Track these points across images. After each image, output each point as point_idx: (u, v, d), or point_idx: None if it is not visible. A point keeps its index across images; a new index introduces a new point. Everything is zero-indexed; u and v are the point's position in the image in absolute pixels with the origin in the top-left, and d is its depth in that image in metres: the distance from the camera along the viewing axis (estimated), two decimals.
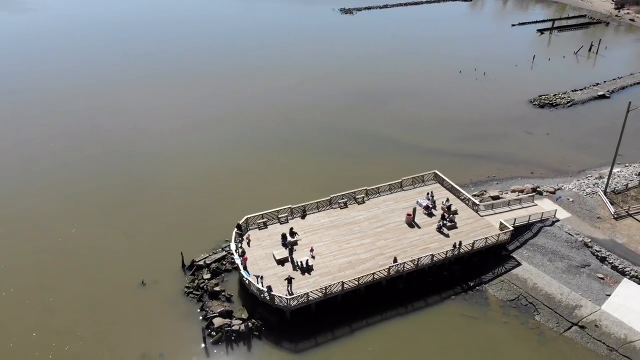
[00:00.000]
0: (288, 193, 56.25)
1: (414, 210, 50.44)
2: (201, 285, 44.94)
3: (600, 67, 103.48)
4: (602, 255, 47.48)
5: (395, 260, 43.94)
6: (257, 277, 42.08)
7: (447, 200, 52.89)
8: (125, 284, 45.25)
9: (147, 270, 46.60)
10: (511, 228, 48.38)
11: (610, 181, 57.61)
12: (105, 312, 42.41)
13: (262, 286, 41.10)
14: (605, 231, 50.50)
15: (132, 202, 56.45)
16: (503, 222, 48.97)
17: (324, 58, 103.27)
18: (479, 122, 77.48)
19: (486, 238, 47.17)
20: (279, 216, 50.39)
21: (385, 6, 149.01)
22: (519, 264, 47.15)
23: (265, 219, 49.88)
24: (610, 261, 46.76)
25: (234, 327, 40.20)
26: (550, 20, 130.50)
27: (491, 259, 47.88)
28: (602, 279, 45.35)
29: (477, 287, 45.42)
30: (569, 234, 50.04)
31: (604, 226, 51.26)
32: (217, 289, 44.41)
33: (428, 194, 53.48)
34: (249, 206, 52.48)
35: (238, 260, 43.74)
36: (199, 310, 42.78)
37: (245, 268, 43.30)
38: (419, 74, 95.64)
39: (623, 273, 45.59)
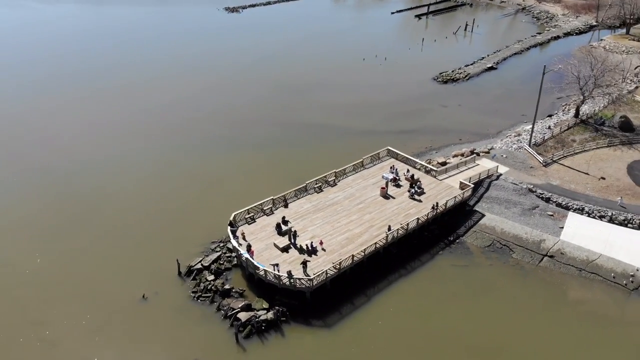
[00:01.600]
0: (255, 189, 56.72)
1: (387, 183, 54.63)
2: (208, 287, 44.61)
3: (478, 43, 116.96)
4: (546, 196, 55.85)
5: (389, 229, 47.68)
6: (273, 265, 43.13)
7: (408, 171, 57.90)
8: (126, 303, 43.30)
9: (143, 284, 44.94)
10: (472, 185, 54.77)
11: (528, 135, 67.21)
12: (117, 334, 40.53)
13: (279, 273, 42.38)
14: (540, 177, 59.19)
15: (92, 222, 53.22)
16: (463, 181, 55.23)
17: (231, 58, 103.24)
18: (397, 102, 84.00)
19: (455, 197, 52.97)
20: (264, 208, 51.42)
21: (269, 3, 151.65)
22: (483, 215, 53.63)
23: (251, 214, 50.59)
24: (554, 200, 55.24)
25: (261, 318, 41.00)
26: (425, 5, 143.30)
27: (459, 215, 53.75)
28: (552, 215, 53.49)
29: (457, 241, 50.96)
30: (514, 183, 57.92)
31: (537, 173, 59.99)
32: (226, 287, 44.55)
33: (391, 167, 58.04)
34: (220, 207, 53.18)
35: (246, 255, 44.16)
36: (215, 311, 42.59)
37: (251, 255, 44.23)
38: (327, 65, 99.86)
39: (567, 208, 54.21)
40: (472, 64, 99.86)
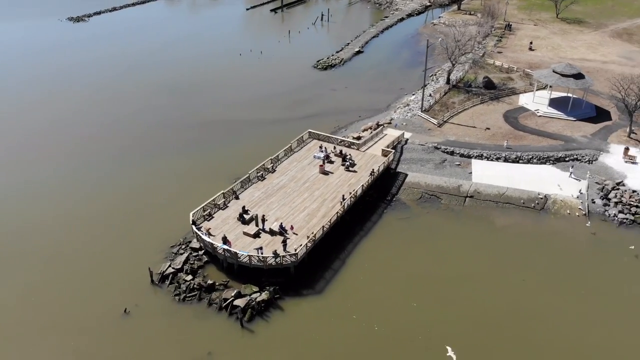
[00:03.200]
0: (194, 191, 57.07)
1: (324, 161, 59.19)
2: (191, 287, 45.02)
3: (337, 31, 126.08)
4: (449, 150, 65.25)
5: (343, 198, 52.45)
6: (257, 249, 45.17)
7: (335, 147, 63.14)
8: (109, 322, 42.05)
9: (118, 301, 43.77)
10: (393, 150, 61.98)
11: (418, 104, 76.82)
12: (114, 354, 39.30)
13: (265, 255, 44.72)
14: (439, 136, 68.68)
15: (33, 254, 49.22)
16: (384, 148, 62.16)
17: (101, 68, 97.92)
18: (290, 91, 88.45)
19: (383, 162, 59.59)
20: (217, 203, 52.52)
21: (114, 9, 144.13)
22: (406, 175, 61.10)
23: (207, 210, 51.40)
24: (457, 152, 64.85)
25: (258, 299, 42.96)
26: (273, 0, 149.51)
27: (388, 178, 60.51)
28: (459, 165, 63.00)
29: (394, 199, 57.65)
30: (421, 144, 66.54)
31: (435, 133, 69.47)
32: (209, 281, 45.40)
33: (320, 147, 62.70)
34: (165, 213, 54.08)
35: (225, 247, 45.42)
36: (207, 306, 43.47)
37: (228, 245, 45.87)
38: (208, 65, 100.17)
39: (469, 157, 64.15)
40: (341, 50, 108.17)
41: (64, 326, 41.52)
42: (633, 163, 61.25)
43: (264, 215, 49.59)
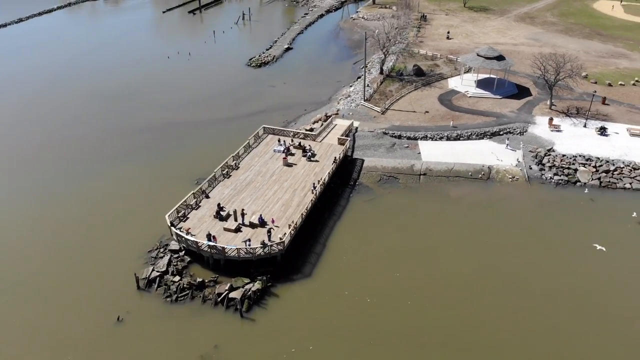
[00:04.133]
0: (158, 196, 56.95)
1: (286, 154, 60.95)
2: (181, 287, 45.23)
3: (262, 29, 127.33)
4: (396, 134, 69.59)
5: (314, 186, 54.72)
6: (245, 241, 46.25)
7: (292, 140, 65.10)
8: (103, 332, 41.45)
9: (107, 310, 43.10)
10: (349, 139, 65.11)
11: (358, 95, 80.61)
12: None
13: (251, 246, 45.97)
14: (384, 122, 72.89)
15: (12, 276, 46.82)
16: (340, 137, 65.14)
17: (24, 80, 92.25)
18: (230, 89, 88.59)
19: (342, 150, 62.55)
20: (189, 204, 52.70)
21: (20, 20, 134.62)
22: (363, 160, 64.56)
23: (181, 212, 51.48)
24: (404, 136, 69.29)
25: (253, 289, 44.17)
26: (194, 0, 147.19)
27: (347, 165, 63.57)
28: (408, 147, 67.49)
29: (356, 184, 60.84)
30: (370, 131, 70.37)
31: (381, 120, 73.64)
32: (199, 279, 45.84)
33: (279, 140, 64.38)
34: (135, 221, 53.58)
35: (212, 243, 46.07)
36: (202, 303, 44.04)
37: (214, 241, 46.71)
38: (137, 69, 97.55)
39: (415, 139, 68.82)
40: (271, 48, 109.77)
41: (56, 343, 40.30)
42: (558, 131, 69.16)
43: (242, 210, 50.65)
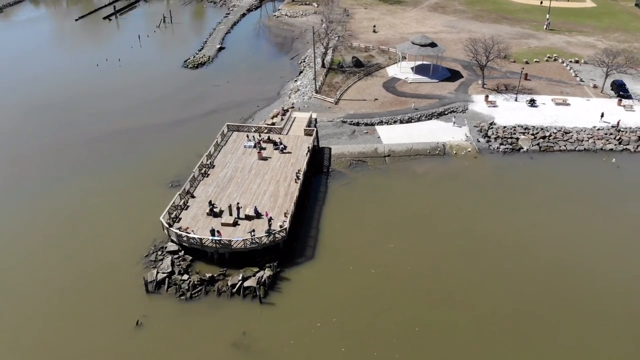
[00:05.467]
0: (137, 203, 56.99)
1: (259, 148, 62.61)
2: (193, 284, 45.87)
3: (187, 31, 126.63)
4: (354, 122, 73.68)
5: (297, 176, 57.17)
6: (250, 232, 47.75)
7: (260, 135, 66.78)
8: (127, 338, 41.41)
9: (123, 317, 42.94)
10: (315, 129, 68.06)
11: (307, 88, 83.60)
12: None
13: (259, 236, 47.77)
14: (340, 112, 76.66)
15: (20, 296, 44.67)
16: (306, 128, 67.90)
17: None
18: (174, 92, 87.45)
19: (311, 141, 65.35)
20: (178, 205, 53.00)
21: None
22: (330, 148, 67.90)
23: (172, 213, 51.71)
24: (361, 122, 73.57)
25: (264, 277, 45.91)
26: (109, 5, 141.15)
27: (316, 154, 66.39)
28: (367, 132, 71.84)
29: (330, 171, 63.99)
30: (329, 121, 73.88)
31: (336, 110, 77.33)
32: (208, 275, 46.71)
33: (247, 136, 65.79)
34: (121, 229, 53.14)
35: (217, 238, 47.12)
36: (217, 296, 45.12)
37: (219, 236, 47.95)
38: (68, 79, 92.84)
39: (372, 124, 73.33)
40: (202, 48, 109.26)
41: (81, 356, 39.58)
42: (494, 106, 77.03)
43: (238, 204, 51.95)
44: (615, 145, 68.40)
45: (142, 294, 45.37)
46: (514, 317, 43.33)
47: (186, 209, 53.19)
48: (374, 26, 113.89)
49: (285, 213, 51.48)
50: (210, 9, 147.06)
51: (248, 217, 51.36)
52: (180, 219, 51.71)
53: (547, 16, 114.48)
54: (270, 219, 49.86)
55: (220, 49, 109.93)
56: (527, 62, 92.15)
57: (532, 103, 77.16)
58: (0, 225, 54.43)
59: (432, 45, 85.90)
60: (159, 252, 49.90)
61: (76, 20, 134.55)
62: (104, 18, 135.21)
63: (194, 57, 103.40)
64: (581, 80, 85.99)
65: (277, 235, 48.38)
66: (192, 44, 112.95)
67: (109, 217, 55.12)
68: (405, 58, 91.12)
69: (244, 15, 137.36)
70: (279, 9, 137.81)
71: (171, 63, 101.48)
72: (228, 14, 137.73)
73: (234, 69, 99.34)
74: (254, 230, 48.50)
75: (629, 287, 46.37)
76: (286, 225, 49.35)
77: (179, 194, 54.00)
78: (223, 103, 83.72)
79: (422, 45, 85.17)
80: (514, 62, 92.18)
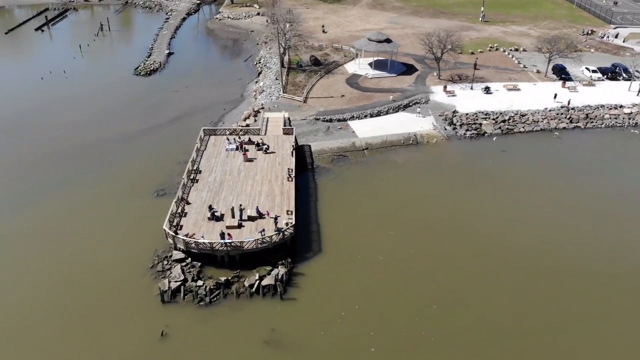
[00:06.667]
0: (129, 214, 55.86)
1: (244, 150, 62.80)
2: (210, 289, 45.68)
3: (127, 37, 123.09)
4: (327, 119, 75.48)
5: (290, 172, 58.19)
6: (260, 232, 48.15)
7: (240, 137, 66.79)
8: (154, 350, 40.84)
9: (145, 330, 42.30)
10: (293, 127, 69.03)
11: (272, 88, 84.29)
12: None
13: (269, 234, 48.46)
14: (310, 110, 78.11)
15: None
16: (284, 127, 68.77)
17: None
18: (131, 101, 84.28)
19: (293, 140, 66.28)
20: (177, 212, 52.34)
21: None
22: (309, 145, 69.26)
23: (172, 220, 51.03)
24: (334, 119, 75.49)
25: (281, 273, 46.62)
26: (37, 15, 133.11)
27: (298, 152, 67.29)
28: (342, 128, 73.84)
29: (314, 167, 65.33)
30: (302, 119, 75.17)
31: (306, 108, 78.71)
32: (222, 279, 46.67)
33: (227, 139, 65.63)
34: (116, 243, 51.87)
35: (228, 241, 47.17)
36: (236, 298, 45.32)
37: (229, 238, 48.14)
38: (11, 96, 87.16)
39: (345, 120, 75.44)
40: (151, 55, 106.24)
41: None
42: (453, 96, 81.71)
43: (240, 205, 52.07)
44: (567, 124, 75.09)
45: (158, 305, 44.63)
46: (517, 279, 47.29)
47: (184, 216, 52.62)
48: (323, 26, 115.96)
49: (288, 211, 52.39)
50: (146, 15, 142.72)
51: (251, 218, 51.74)
52: (181, 226, 51.13)
53: (482, 9, 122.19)
54: (276, 218, 50.55)
55: (170, 54, 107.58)
56: (472, 53, 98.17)
57: (487, 90, 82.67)
58: None
59: (388, 41, 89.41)
60: (165, 262, 49.17)
61: (6, 33, 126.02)
62: (36, 29, 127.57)
63: (144, 64, 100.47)
64: (524, 66, 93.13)
65: (285, 233, 49.22)
66: (137, 50, 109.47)
67: (102, 233, 53.25)
68: (359, 55, 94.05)
69: (184, 19, 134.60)
70: (220, 12, 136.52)
71: (121, 71, 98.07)
72: (167, 18, 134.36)
73: (188, 74, 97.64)
74: (264, 230, 49.03)
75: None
76: (292, 222, 50.30)
77: (175, 201, 53.29)
78: (187, 108, 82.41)
79: (378, 42, 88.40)
80: (461, 53, 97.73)
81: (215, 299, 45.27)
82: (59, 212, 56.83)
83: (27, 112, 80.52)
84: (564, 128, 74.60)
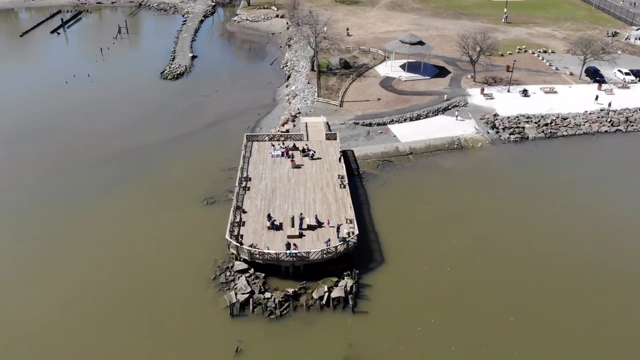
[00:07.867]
0: (178, 224, 54.63)
1: (291, 156, 61.58)
2: (279, 302, 44.45)
3: (145, 40, 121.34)
4: (366, 123, 74.27)
5: (342, 179, 57.19)
6: (326, 242, 47.02)
7: (283, 143, 65.55)
8: None
9: (219, 346, 41.03)
10: (335, 132, 67.87)
11: (305, 92, 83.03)
12: None
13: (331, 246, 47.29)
14: (348, 114, 76.88)
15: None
16: (327, 133, 67.68)
17: None
18: (162, 106, 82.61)
19: (338, 145, 65.16)
20: (234, 222, 51.11)
21: None
22: (353, 151, 68.05)
23: (233, 230, 49.77)
24: (374, 123, 74.31)
25: (349, 284, 45.45)
26: (51, 17, 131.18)
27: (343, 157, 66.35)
28: (382, 132, 72.71)
29: (361, 173, 64.11)
30: (342, 123, 73.95)
31: (343, 112, 77.46)
32: (289, 290, 45.44)
33: (272, 145, 64.43)
34: (170, 255, 50.51)
35: (294, 251, 46.00)
36: (307, 311, 44.15)
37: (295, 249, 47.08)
38: (39, 100, 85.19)
39: (384, 124, 74.30)
40: (175, 58, 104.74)
41: None
42: (491, 99, 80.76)
43: (301, 214, 50.86)
44: (608, 127, 74.36)
45: (227, 319, 43.41)
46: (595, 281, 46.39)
47: (243, 225, 51.35)
48: (347, 28, 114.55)
49: (347, 219, 51.25)
50: (161, 17, 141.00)
51: (310, 227, 50.54)
52: (242, 235, 49.86)
53: (505, 10, 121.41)
54: (338, 227, 49.36)
55: (194, 57, 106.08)
56: (502, 55, 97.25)
57: (524, 93, 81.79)
58: (36, 267, 49.70)
59: (421, 43, 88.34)
60: (227, 273, 47.88)
61: (21, 35, 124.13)
62: (52, 32, 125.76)
63: (169, 67, 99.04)
64: (556, 68, 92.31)
65: (349, 243, 48.06)
66: (158, 54, 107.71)
67: (156, 244, 51.88)
68: (389, 57, 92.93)
69: (202, 21, 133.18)
70: (237, 14, 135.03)
71: (147, 75, 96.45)
72: (185, 21, 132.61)
73: (215, 78, 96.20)
74: (329, 240, 47.84)
75: None
76: (356, 231, 49.16)
77: (233, 210, 52.01)
78: (221, 113, 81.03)
79: (411, 44, 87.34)
80: (490, 55, 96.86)
81: (285, 311, 44.04)
82: (107, 221, 55.30)
83: (57, 117, 79.02)
84: (606, 132, 73.86)
